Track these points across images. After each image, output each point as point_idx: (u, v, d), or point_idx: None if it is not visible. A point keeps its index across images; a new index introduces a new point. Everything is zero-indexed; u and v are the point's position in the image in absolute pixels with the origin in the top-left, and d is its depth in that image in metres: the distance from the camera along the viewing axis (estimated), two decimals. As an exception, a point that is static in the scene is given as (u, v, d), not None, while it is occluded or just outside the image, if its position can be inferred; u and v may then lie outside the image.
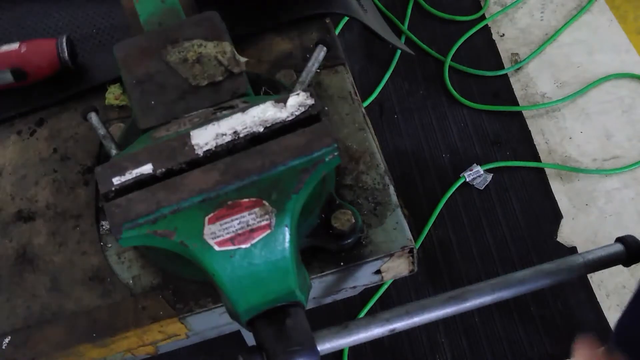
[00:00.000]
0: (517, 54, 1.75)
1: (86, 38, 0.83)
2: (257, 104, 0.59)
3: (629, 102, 1.63)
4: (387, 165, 0.71)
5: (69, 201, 0.72)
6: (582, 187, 1.53)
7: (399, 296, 1.44)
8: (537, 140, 1.60)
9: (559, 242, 1.47)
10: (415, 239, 1.46)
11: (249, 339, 0.94)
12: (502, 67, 1.72)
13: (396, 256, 0.66)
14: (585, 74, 1.68)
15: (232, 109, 0.60)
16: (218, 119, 0.59)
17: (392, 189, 0.69)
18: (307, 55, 0.77)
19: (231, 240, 0.54)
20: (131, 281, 0.67)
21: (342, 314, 1.39)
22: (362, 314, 1.41)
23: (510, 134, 1.61)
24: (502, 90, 1.69)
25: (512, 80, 1.70)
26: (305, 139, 0.57)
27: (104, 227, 0.70)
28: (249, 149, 0.57)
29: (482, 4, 1.86)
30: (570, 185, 1.54)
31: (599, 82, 1.66)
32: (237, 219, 0.55)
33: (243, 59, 0.65)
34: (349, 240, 0.64)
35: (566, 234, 1.48)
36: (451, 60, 1.72)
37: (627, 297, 1.41)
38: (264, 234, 0.54)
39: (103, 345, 0.65)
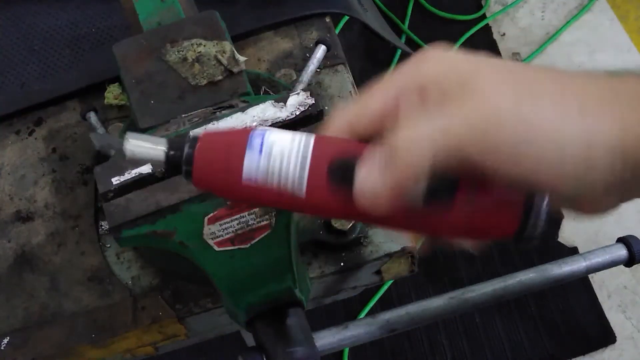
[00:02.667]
0: (518, 53, 1.75)
1: (85, 37, 0.83)
2: (256, 103, 0.59)
3: (630, 102, 1.63)
4: (388, 165, 0.70)
5: (68, 201, 0.72)
6: (583, 187, 1.53)
7: (399, 296, 1.44)
8: (538, 140, 1.59)
9: (560, 242, 1.47)
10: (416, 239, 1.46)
11: (249, 339, 0.94)
12: (502, 66, 1.71)
13: (396, 256, 0.66)
14: (586, 73, 1.68)
15: (232, 109, 0.60)
16: (217, 118, 0.59)
17: (392, 188, 0.68)
18: (307, 55, 0.76)
19: (231, 241, 0.54)
20: (130, 281, 0.66)
21: (342, 314, 1.39)
22: (362, 314, 1.41)
23: (511, 134, 1.61)
24: (503, 90, 1.68)
25: (512, 79, 1.70)
26: (305, 139, 0.57)
27: (103, 227, 0.70)
28: (248, 148, 0.57)
29: (483, 3, 1.86)
30: (571, 185, 1.54)
31: (600, 82, 1.65)
32: (237, 219, 0.54)
33: (243, 59, 0.65)
34: (349, 241, 0.64)
35: (567, 234, 1.48)
36: (452, 59, 1.72)
37: (628, 297, 1.41)
38: (264, 234, 0.54)
39: (102, 345, 0.65)
